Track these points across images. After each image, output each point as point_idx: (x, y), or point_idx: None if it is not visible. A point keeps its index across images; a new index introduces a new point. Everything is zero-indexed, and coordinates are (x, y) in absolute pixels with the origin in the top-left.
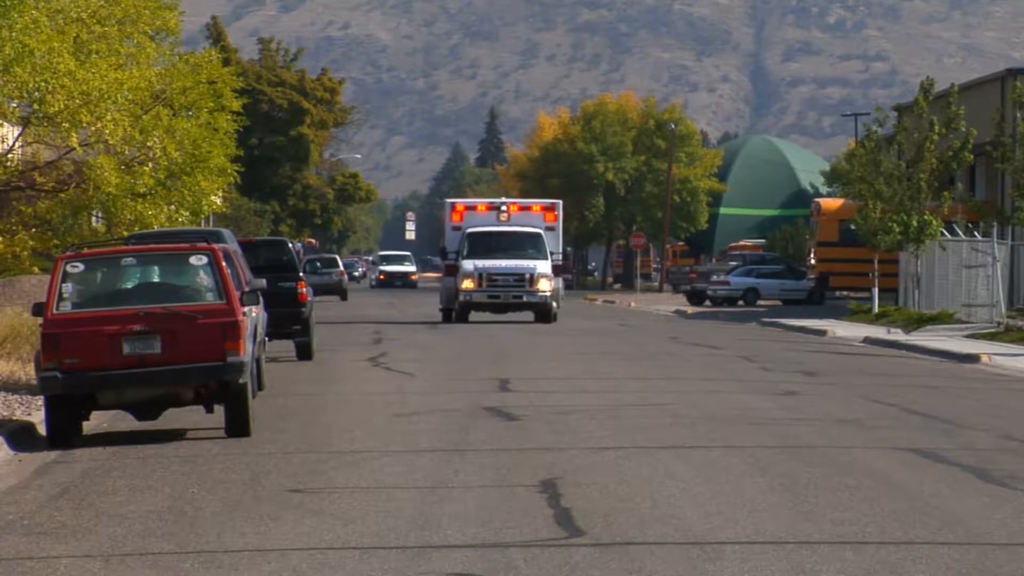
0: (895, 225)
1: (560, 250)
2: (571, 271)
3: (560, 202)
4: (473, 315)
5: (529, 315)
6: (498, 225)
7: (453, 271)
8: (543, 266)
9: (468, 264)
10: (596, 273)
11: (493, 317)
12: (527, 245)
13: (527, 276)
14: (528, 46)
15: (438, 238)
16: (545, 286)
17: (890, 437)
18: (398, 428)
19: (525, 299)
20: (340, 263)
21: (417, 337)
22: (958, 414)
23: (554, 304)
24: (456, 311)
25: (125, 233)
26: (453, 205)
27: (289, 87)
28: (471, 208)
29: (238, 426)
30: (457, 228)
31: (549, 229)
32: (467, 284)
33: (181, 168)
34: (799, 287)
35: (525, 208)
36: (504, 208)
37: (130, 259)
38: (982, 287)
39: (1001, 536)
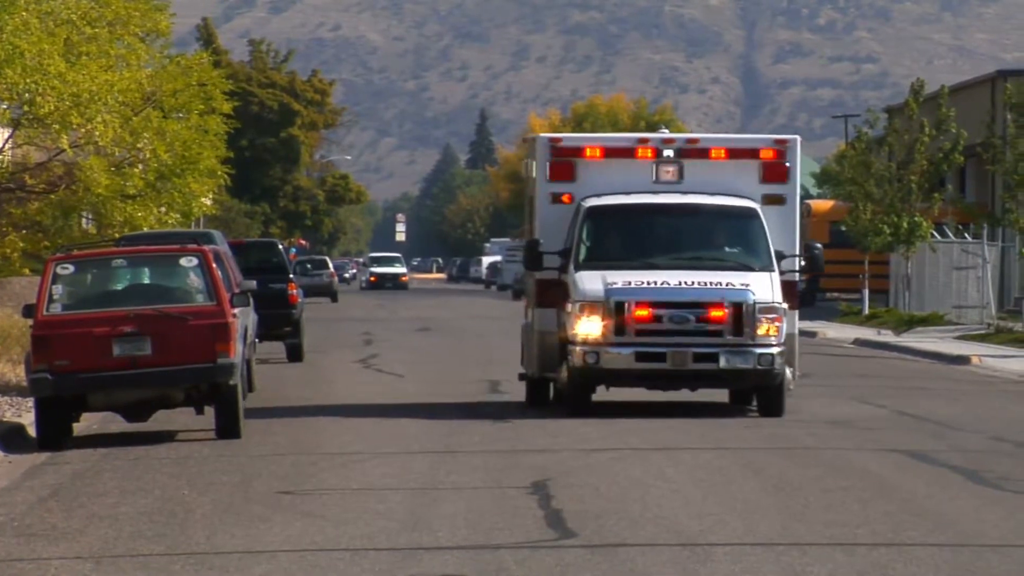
0: (885, 227)
1: (797, 248)
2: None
3: (797, 138)
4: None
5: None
6: (658, 190)
7: (554, 295)
8: (763, 284)
9: (590, 281)
10: None
11: (647, 396)
12: (724, 237)
13: (729, 309)
14: (519, 47)
15: (433, 240)
16: (769, 331)
17: (881, 439)
18: (388, 430)
19: (724, 363)
20: (330, 264)
21: (407, 339)
22: (949, 416)
23: (788, 372)
24: (567, 383)
25: (116, 235)
26: (554, 146)
27: (279, 88)
28: (599, 152)
29: (228, 428)
30: (560, 198)
31: (772, 200)
32: (589, 327)
33: (171, 170)
34: None
35: (716, 151)
36: (670, 152)
37: (120, 261)
38: (972, 289)
39: (992, 537)
